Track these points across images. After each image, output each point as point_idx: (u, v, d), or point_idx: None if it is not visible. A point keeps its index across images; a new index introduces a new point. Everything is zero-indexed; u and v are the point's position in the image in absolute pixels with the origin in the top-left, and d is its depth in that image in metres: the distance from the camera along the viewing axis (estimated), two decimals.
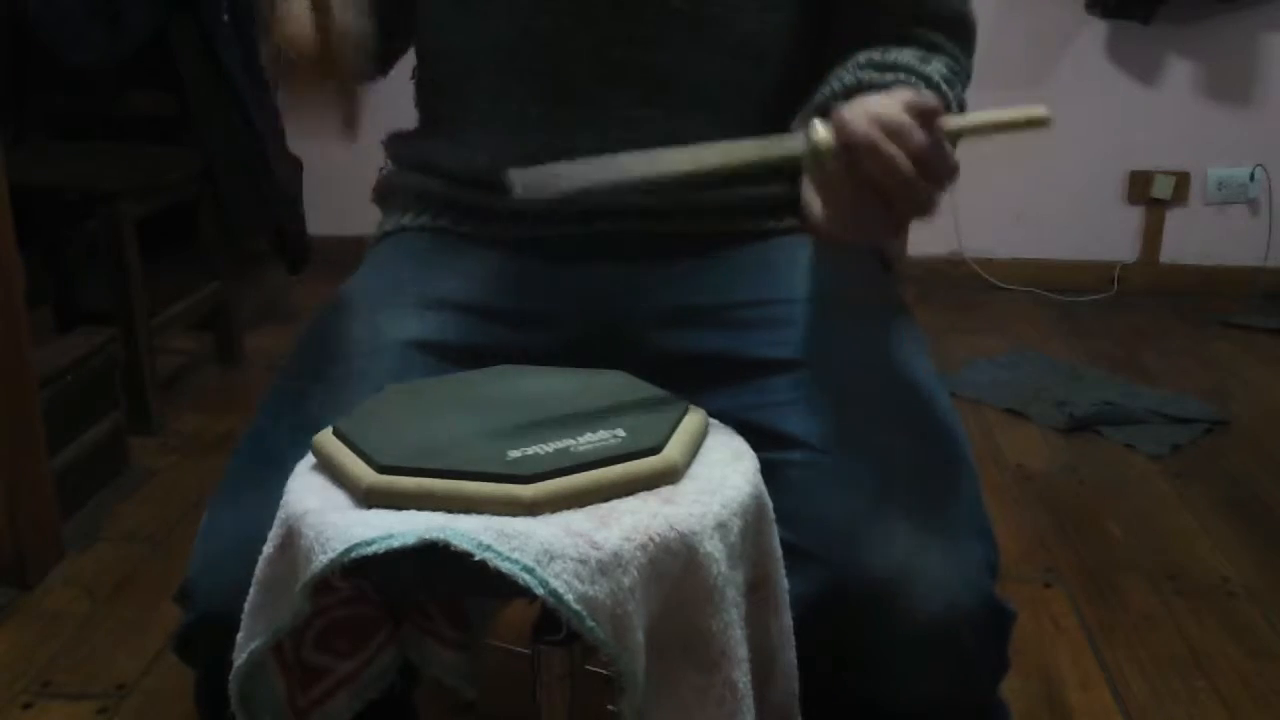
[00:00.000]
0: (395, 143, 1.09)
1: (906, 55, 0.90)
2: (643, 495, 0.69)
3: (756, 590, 0.77)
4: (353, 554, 0.64)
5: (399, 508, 0.67)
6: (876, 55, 0.91)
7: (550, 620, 0.76)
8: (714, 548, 0.69)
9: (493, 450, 0.70)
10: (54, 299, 2.44)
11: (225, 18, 2.36)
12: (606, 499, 0.68)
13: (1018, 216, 3.18)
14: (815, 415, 0.85)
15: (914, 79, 0.87)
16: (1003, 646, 0.89)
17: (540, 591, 0.62)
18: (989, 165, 3.03)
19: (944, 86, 0.89)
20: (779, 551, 0.78)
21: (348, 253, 1.55)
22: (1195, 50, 3.03)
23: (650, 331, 0.96)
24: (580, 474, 0.68)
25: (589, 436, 0.71)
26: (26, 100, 2.49)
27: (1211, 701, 1.43)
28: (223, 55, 2.35)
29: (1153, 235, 3.18)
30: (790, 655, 0.80)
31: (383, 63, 1.06)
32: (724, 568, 0.70)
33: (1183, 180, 3.12)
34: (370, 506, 0.68)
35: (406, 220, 1.04)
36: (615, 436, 0.71)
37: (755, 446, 0.79)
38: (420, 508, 0.67)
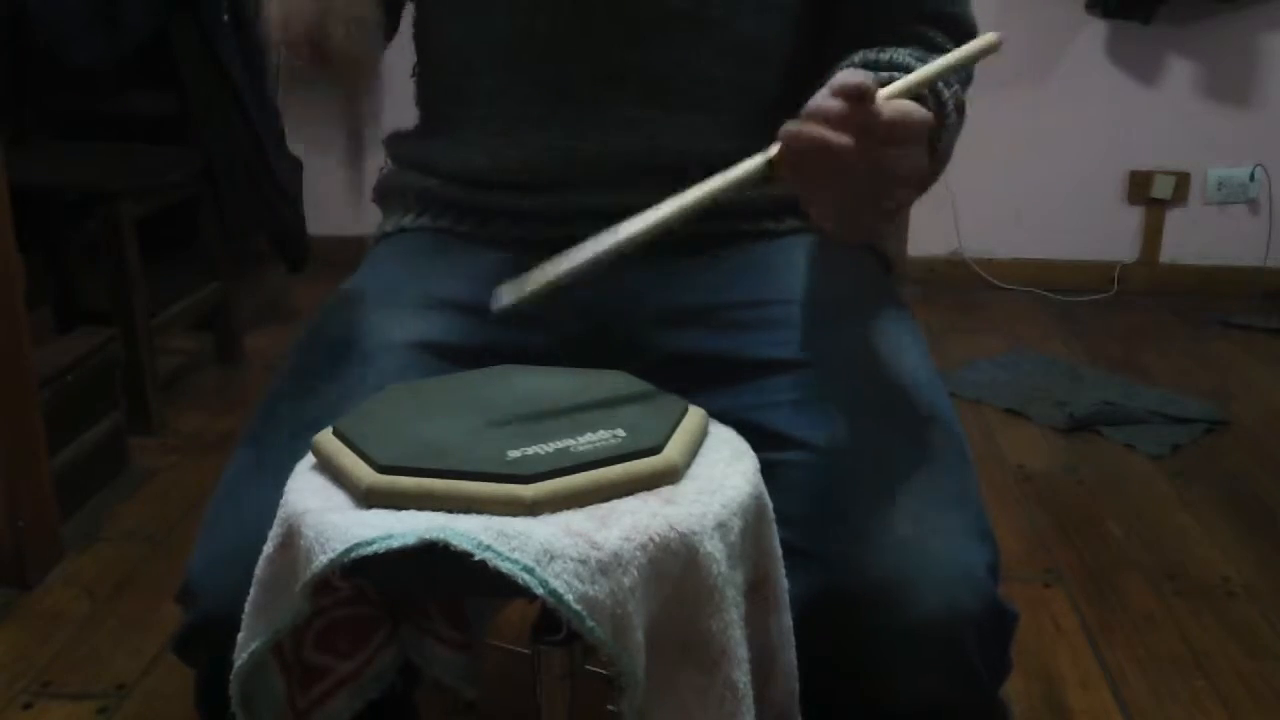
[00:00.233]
0: (395, 142, 1.09)
1: (904, 54, 0.90)
2: (643, 495, 0.69)
3: (756, 590, 0.77)
4: (353, 554, 0.64)
5: (399, 508, 0.67)
6: (873, 55, 0.90)
7: (550, 620, 0.76)
8: (714, 548, 0.69)
9: (493, 450, 0.70)
10: (54, 299, 2.44)
11: (225, 18, 2.36)
12: (606, 499, 0.68)
13: (1018, 216, 3.18)
14: (815, 415, 0.85)
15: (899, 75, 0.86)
16: (1004, 647, 0.89)
17: (540, 591, 0.62)
18: (989, 165, 3.03)
19: (940, 84, 0.88)
20: (779, 551, 0.78)
21: (348, 253, 1.55)
22: (1195, 50, 3.03)
23: (650, 331, 0.96)
24: (580, 474, 0.68)
25: (589, 436, 0.71)
26: (26, 100, 2.49)
27: (1211, 701, 1.43)
28: (223, 55, 2.35)
29: (1153, 235, 3.18)
30: (790, 655, 0.80)
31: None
32: (724, 568, 0.70)
33: (1183, 180, 3.12)
34: (370, 506, 0.68)
35: (407, 221, 1.04)
36: (615, 436, 0.71)
37: (755, 446, 0.79)
38: (420, 508, 0.67)
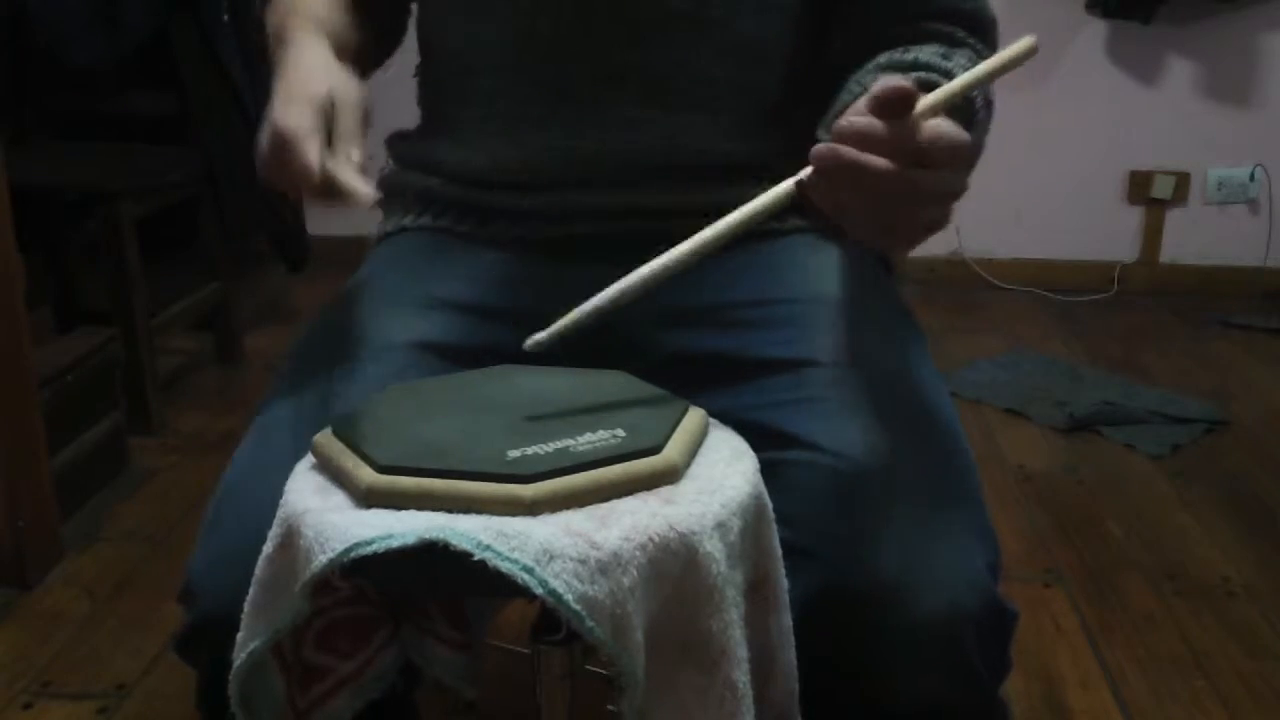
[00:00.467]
0: (396, 142, 1.09)
1: (928, 53, 0.88)
2: (642, 495, 0.69)
3: (756, 590, 0.77)
4: (352, 554, 0.64)
5: (399, 508, 0.67)
6: (897, 55, 0.89)
7: (550, 620, 0.76)
8: (714, 548, 0.69)
9: (492, 450, 0.70)
10: (54, 299, 2.44)
11: (225, 18, 2.36)
12: (606, 499, 0.68)
13: (1018, 216, 3.18)
14: (816, 415, 0.85)
15: (937, 76, 0.85)
16: (1004, 647, 0.89)
17: (540, 591, 0.62)
18: (989, 165, 3.02)
19: (978, 103, 0.88)
20: (779, 551, 0.77)
21: (348, 253, 1.55)
22: (1195, 50, 3.03)
23: (650, 331, 0.96)
24: (580, 474, 0.68)
25: (589, 436, 0.71)
26: (26, 100, 2.49)
27: (1211, 701, 1.43)
28: (223, 55, 2.35)
29: (1153, 235, 3.17)
30: (790, 655, 0.80)
31: (374, 66, 1.06)
32: (724, 568, 0.70)
33: (1183, 180, 3.12)
34: (370, 506, 0.68)
35: (407, 221, 1.04)
36: (615, 436, 0.71)
37: (755, 446, 0.79)
38: (420, 508, 0.67)
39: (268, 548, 0.72)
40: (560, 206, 0.96)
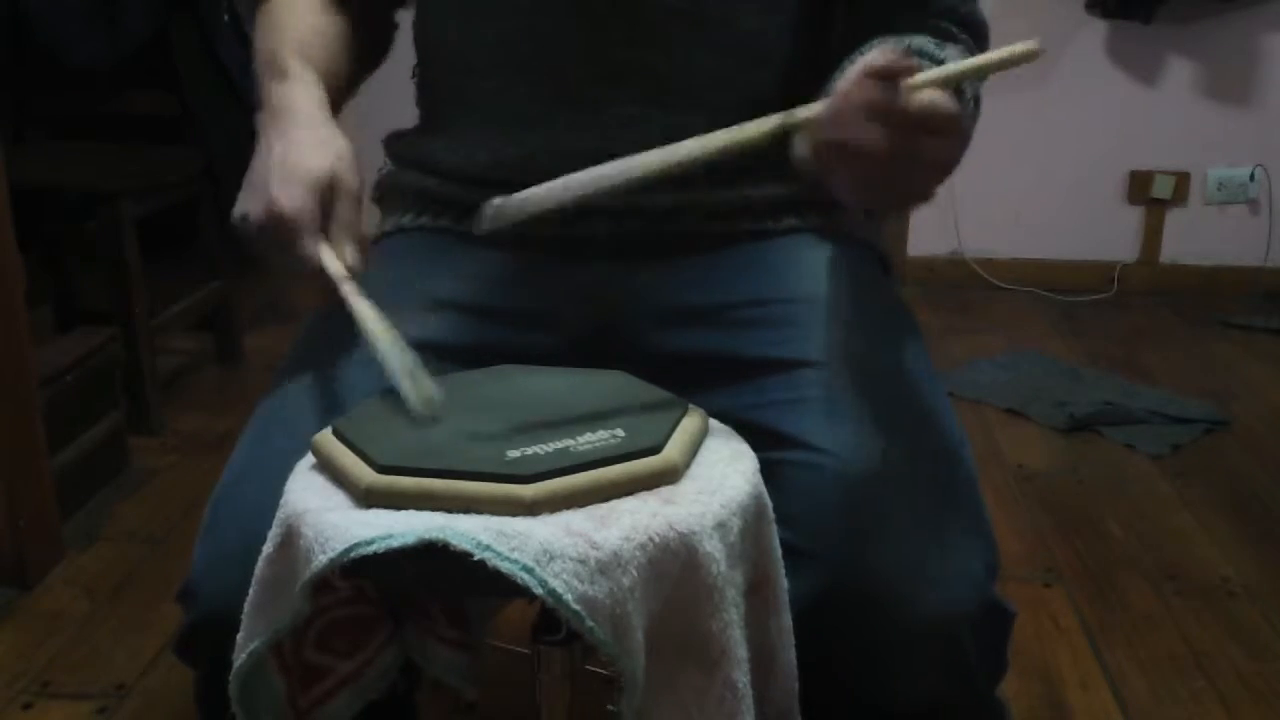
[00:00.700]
0: (395, 142, 1.09)
1: (923, 40, 0.89)
2: (642, 495, 0.69)
3: (756, 590, 0.77)
4: (352, 554, 0.64)
5: (398, 508, 0.67)
6: (893, 41, 0.90)
7: (550, 620, 0.76)
8: (714, 548, 0.69)
9: (492, 450, 0.70)
10: (54, 299, 2.44)
11: (225, 18, 2.36)
12: (606, 499, 0.68)
13: (1018, 216, 3.18)
14: (815, 415, 0.85)
15: (929, 63, 0.84)
16: (1002, 646, 0.89)
17: (540, 591, 0.62)
18: (989, 165, 3.03)
19: (968, 95, 0.88)
20: (779, 551, 0.78)
21: None
22: (1195, 50, 3.03)
23: (650, 331, 0.96)
24: (580, 474, 0.68)
25: (589, 436, 0.71)
26: (26, 100, 2.49)
27: (1211, 701, 1.43)
28: (223, 55, 2.35)
29: (1153, 235, 3.17)
30: (790, 655, 0.80)
31: (358, 84, 1.07)
32: (724, 568, 0.70)
33: (1183, 180, 3.12)
34: (370, 506, 0.68)
35: (406, 220, 1.04)
36: (615, 436, 0.71)
37: (755, 446, 0.79)
38: (420, 508, 0.67)
39: (268, 548, 0.72)
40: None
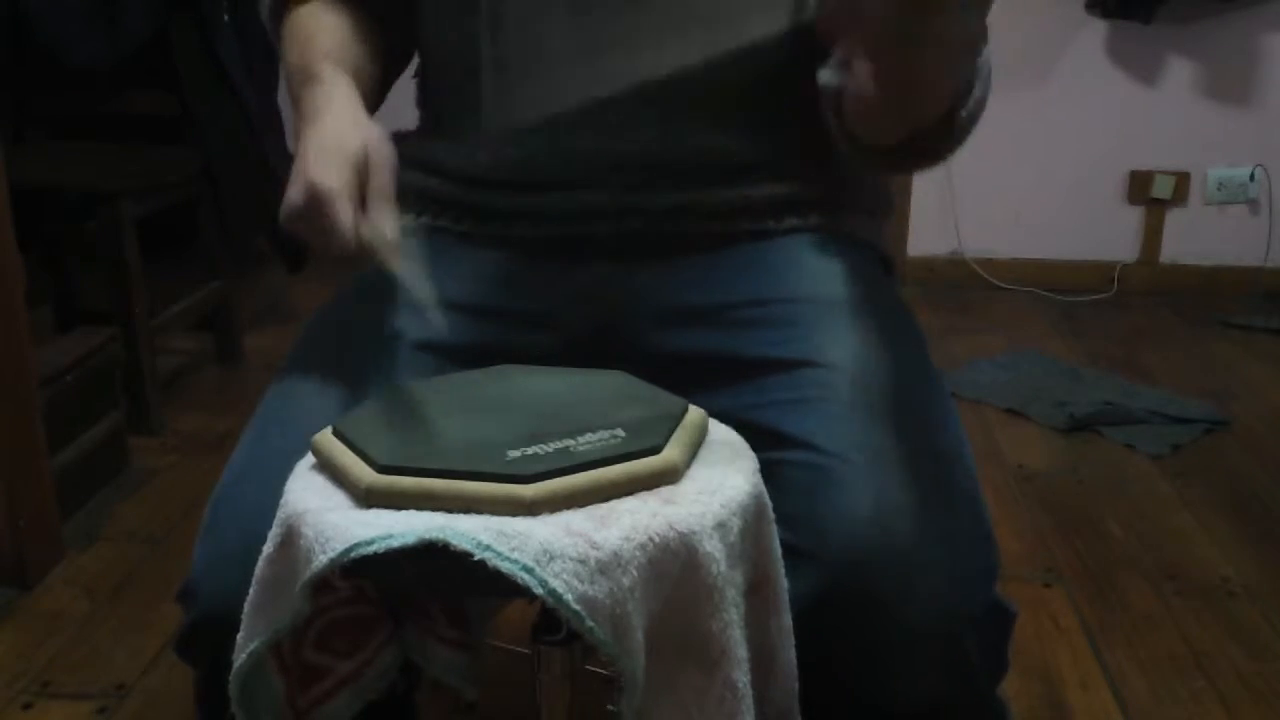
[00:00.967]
0: (396, 142, 1.08)
1: None
2: (642, 495, 0.69)
3: (756, 590, 0.77)
4: (353, 554, 0.64)
5: (399, 508, 0.67)
6: None
7: (550, 620, 0.76)
8: (714, 548, 0.69)
9: (492, 450, 0.70)
10: (54, 299, 2.44)
11: (225, 18, 2.36)
12: (606, 499, 0.68)
13: (1018, 216, 3.18)
14: (815, 415, 0.85)
15: None
16: (1003, 646, 0.89)
17: (540, 591, 0.62)
18: (989, 165, 3.03)
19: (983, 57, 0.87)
20: (779, 551, 0.78)
21: None
22: (1195, 50, 3.03)
23: (650, 331, 0.96)
24: (580, 474, 0.68)
25: (589, 436, 0.71)
26: (26, 100, 2.49)
27: (1211, 701, 1.43)
28: (223, 55, 2.35)
29: (1153, 235, 3.17)
30: (790, 655, 0.80)
31: (385, 92, 1.07)
32: (724, 568, 0.70)
33: (1183, 180, 3.12)
34: (370, 506, 0.68)
35: (407, 220, 1.04)
36: (615, 436, 0.71)
37: (755, 446, 0.79)
38: (420, 508, 0.67)
39: (268, 548, 0.72)
40: (560, 206, 0.96)
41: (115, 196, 2.10)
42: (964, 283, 3.18)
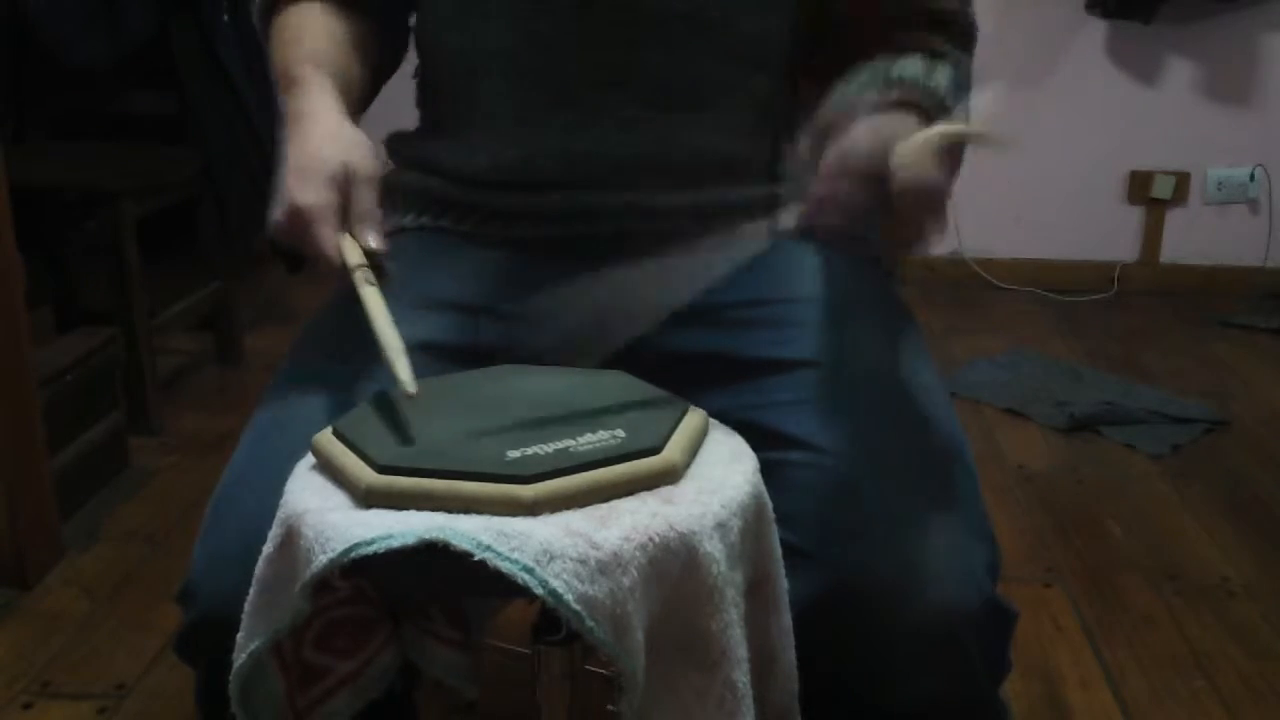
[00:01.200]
0: (395, 142, 1.09)
1: (911, 69, 0.88)
2: (642, 495, 0.69)
3: (756, 590, 0.77)
4: (352, 554, 0.64)
5: (399, 508, 0.67)
6: (881, 67, 0.89)
7: (550, 620, 0.76)
8: (714, 548, 0.69)
9: (492, 450, 0.70)
10: (54, 299, 2.44)
11: (225, 18, 2.36)
12: (606, 499, 0.68)
13: (1018, 216, 3.18)
14: (815, 415, 0.85)
15: (919, 93, 0.86)
16: (1004, 647, 0.89)
17: (540, 591, 0.62)
18: (989, 165, 3.02)
19: (948, 101, 0.88)
20: (779, 551, 0.78)
21: None
22: (1195, 50, 3.03)
23: (650, 331, 0.96)
24: (580, 474, 0.68)
25: (589, 436, 0.71)
26: (26, 100, 2.48)
27: (1211, 701, 1.43)
28: (223, 55, 2.35)
29: (1153, 235, 3.17)
30: (790, 655, 0.80)
31: (374, 95, 1.07)
32: (724, 568, 0.70)
33: (1183, 180, 3.12)
34: (370, 506, 0.68)
35: (407, 221, 1.04)
36: (615, 436, 0.71)
37: (755, 446, 0.79)
38: (420, 508, 0.67)
39: (268, 548, 0.72)
40: (560, 206, 0.96)
41: (115, 196, 2.10)
42: (964, 283, 3.18)
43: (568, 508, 0.67)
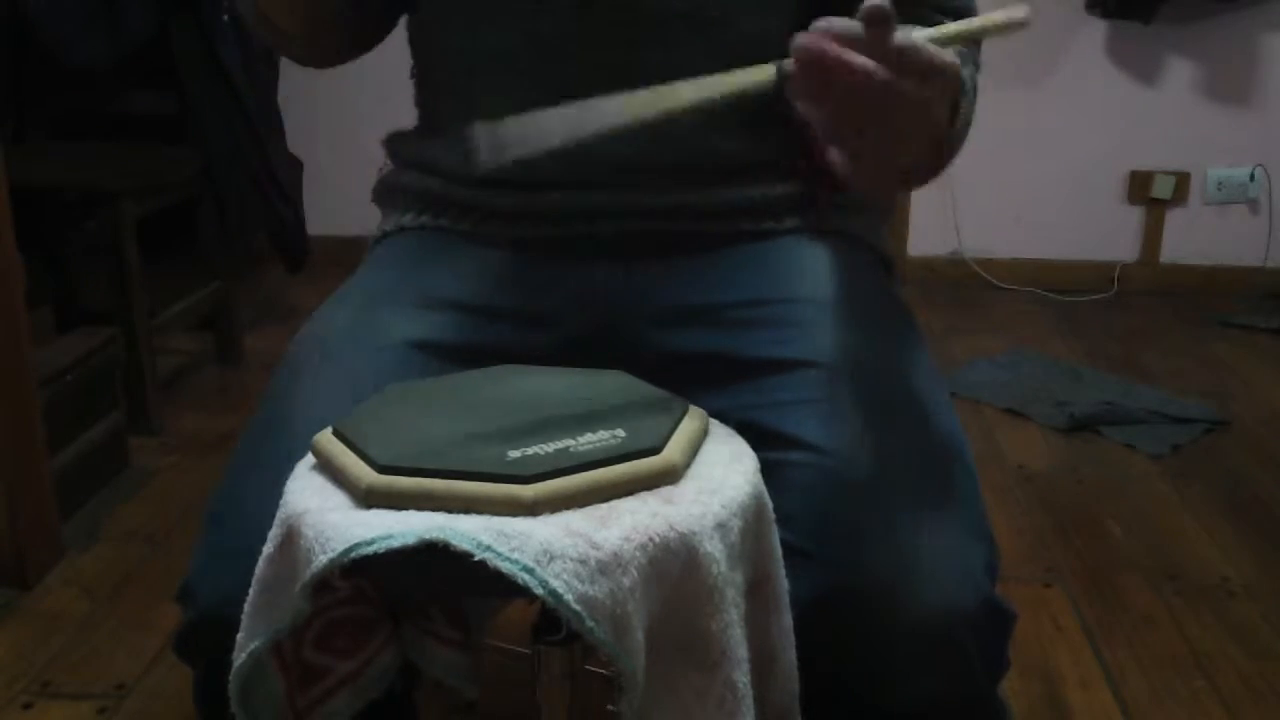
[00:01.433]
0: (395, 142, 1.09)
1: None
2: (643, 495, 0.69)
3: (756, 590, 0.77)
4: (353, 554, 0.64)
5: (399, 508, 0.67)
6: None
7: (550, 620, 0.76)
8: (714, 548, 0.69)
9: (492, 450, 0.70)
10: (54, 299, 2.44)
11: (225, 18, 2.36)
12: (606, 499, 0.68)
13: (1018, 216, 3.18)
14: (815, 415, 0.85)
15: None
16: (1003, 647, 0.89)
17: (540, 591, 0.62)
18: (989, 165, 3.03)
19: (968, 85, 0.87)
20: (779, 551, 0.78)
21: (348, 253, 1.55)
22: (1195, 50, 3.03)
23: (650, 331, 0.96)
24: (580, 474, 0.68)
25: (589, 436, 0.71)
26: (26, 100, 2.48)
27: (1211, 701, 1.43)
28: (223, 55, 2.35)
29: (1153, 235, 3.17)
30: (790, 655, 0.80)
31: (363, 36, 1.05)
32: (724, 568, 0.70)
33: (1183, 180, 3.12)
34: (370, 506, 0.68)
35: (406, 220, 1.04)
36: (615, 437, 0.71)
37: (755, 446, 0.79)
38: (420, 508, 0.67)
39: (268, 548, 0.72)
40: (559, 206, 0.96)
41: (115, 196, 2.10)
42: (964, 283, 3.18)
43: (568, 508, 0.67)
